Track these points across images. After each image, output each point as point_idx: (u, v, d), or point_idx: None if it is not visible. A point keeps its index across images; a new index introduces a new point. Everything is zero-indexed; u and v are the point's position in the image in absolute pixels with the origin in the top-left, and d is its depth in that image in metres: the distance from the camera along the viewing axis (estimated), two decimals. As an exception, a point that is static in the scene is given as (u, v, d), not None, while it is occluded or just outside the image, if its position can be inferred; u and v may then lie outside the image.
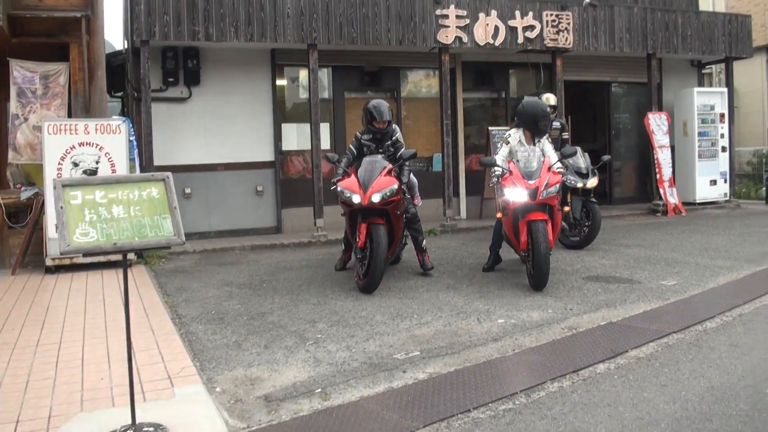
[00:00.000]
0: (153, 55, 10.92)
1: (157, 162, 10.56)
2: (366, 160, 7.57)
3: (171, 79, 11.55)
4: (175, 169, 10.73)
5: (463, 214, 13.67)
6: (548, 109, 8.04)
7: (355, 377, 4.51)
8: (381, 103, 8.06)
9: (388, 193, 7.12)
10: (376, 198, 7.03)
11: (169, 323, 6.09)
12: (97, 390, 4.37)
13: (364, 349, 5.15)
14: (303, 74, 12.56)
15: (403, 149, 8.04)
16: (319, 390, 4.29)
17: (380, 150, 7.95)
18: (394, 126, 8.30)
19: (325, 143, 12.29)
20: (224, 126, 11.93)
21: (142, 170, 10.06)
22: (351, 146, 8.09)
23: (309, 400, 4.15)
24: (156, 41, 10.67)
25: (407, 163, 8.00)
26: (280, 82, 12.57)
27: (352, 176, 7.34)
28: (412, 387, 4.30)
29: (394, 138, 8.09)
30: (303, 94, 12.76)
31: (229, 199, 11.92)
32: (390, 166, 7.48)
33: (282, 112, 12.59)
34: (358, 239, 7.19)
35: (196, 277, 8.44)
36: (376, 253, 6.92)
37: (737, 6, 19.91)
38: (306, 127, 12.04)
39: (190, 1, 10.55)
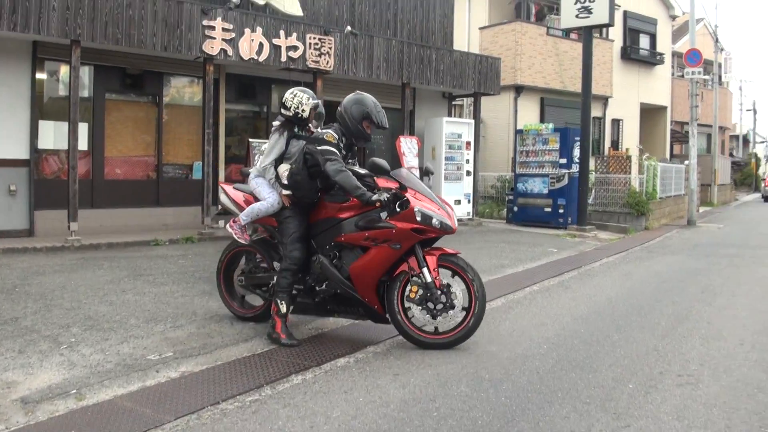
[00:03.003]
0: None
1: None
2: (409, 172, 5.96)
3: None
4: None
5: (222, 222, 13.89)
6: None
7: (110, 378, 4.72)
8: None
9: None
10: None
11: None
12: None
13: (119, 351, 5.34)
14: (64, 70, 12.19)
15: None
16: (75, 391, 4.47)
17: (349, 160, 6.05)
18: None
19: (83, 144, 12.03)
20: (-22, 120, 11.25)
21: None
22: (334, 149, 5.69)
23: (65, 401, 4.32)
24: None
25: None
26: (40, 76, 12.07)
27: (419, 195, 5.60)
28: (165, 385, 4.62)
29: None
30: (63, 91, 12.36)
31: (-22, 199, 11.26)
32: None
33: (40, 109, 12.11)
34: (432, 275, 5.50)
35: (-59, 281, 8.05)
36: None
37: (490, 48, 21.96)
38: (64, 126, 11.65)
39: (-49, -15, 9.94)
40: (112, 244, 11.23)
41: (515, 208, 17.38)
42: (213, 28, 12.22)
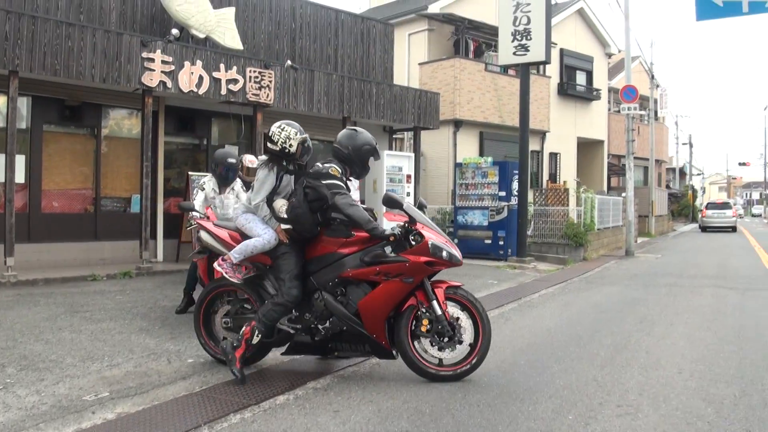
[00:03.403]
0: None
1: None
2: (412, 206, 5.89)
3: None
4: None
5: (160, 256, 13.70)
6: (230, 159, 8.19)
7: (45, 420, 4.60)
8: None
9: None
10: None
11: None
12: None
13: (54, 392, 5.22)
14: (2, 101, 11.90)
15: None
16: (8, 435, 4.35)
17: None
18: None
19: (20, 176, 11.76)
20: None
21: None
22: (341, 183, 5.72)
23: (-3, 445, 4.20)
24: None
25: None
26: (-25, 107, 11.79)
27: (427, 229, 5.70)
28: (101, 427, 4.52)
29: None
30: (0, 123, 12.00)
31: None
32: None
33: (-25, 141, 11.78)
34: (441, 308, 5.58)
35: None
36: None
37: (429, 83, 22.16)
38: (0, 158, 11.39)
39: None
40: (49, 280, 10.97)
41: (455, 240, 17.47)
42: (152, 60, 12.12)
